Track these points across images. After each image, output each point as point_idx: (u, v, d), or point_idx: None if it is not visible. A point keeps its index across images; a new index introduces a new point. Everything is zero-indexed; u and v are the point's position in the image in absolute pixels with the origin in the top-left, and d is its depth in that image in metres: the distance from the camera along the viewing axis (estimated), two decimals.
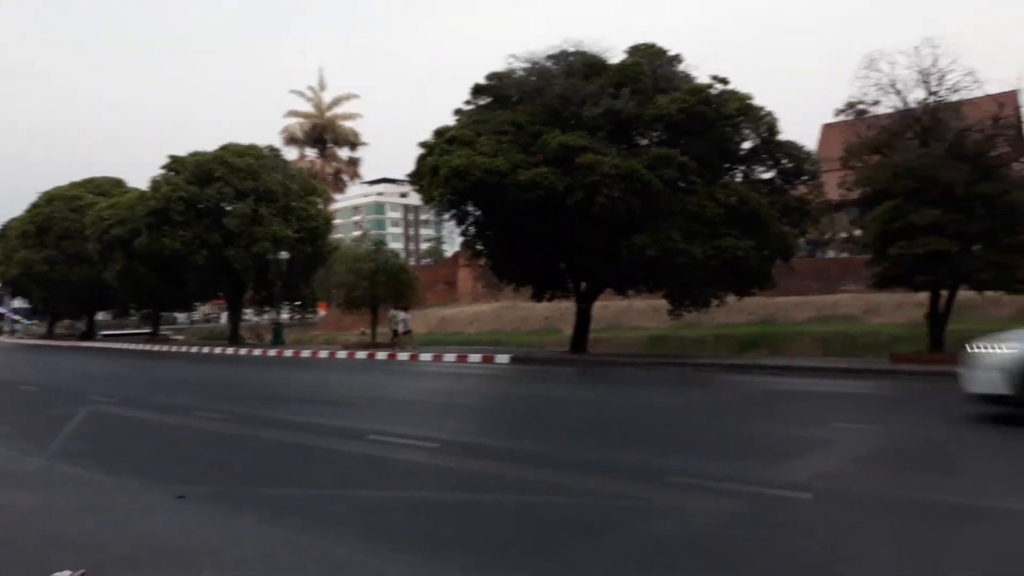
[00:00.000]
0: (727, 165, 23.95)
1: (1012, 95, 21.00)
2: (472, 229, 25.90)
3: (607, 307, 32.01)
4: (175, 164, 39.05)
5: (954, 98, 18.45)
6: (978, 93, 18.50)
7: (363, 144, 67.40)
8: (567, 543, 5.29)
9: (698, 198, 21.78)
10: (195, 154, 39.02)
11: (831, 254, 43.73)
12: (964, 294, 19.76)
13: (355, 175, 68.77)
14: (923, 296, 19.84)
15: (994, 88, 18.76)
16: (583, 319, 25.75)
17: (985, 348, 10.51)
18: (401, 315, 30.81)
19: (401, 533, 5.59)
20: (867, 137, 19.12)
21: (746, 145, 23.74)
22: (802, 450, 8.57)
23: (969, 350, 10.77)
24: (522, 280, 26.58)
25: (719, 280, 22.64)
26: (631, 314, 34.77)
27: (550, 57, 24.26)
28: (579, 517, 5.99)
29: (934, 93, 18.55)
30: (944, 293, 18.95)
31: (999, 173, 17.81)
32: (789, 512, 6.07)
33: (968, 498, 6.31)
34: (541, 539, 5.42)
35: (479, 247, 26.46)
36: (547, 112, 23.06)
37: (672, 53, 24.54)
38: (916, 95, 18.89)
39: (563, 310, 31.07)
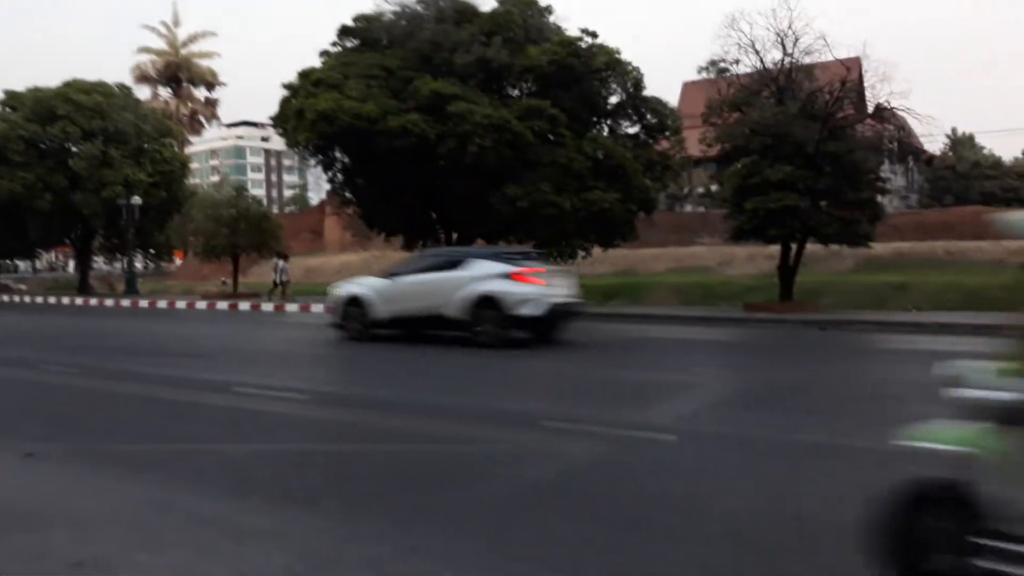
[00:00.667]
0: (595, 119, 24.25)
1: (857, 61, 22.23)
2: (340, 176, 25.23)
3: None
4: (12, 100, 35.98)
5: (807, 60, 19.38)
6: (828, 57, 19.50)
7: (221, 85, 64.16)
8: (442, 489, 5.27)
9: (567, 151, 21.99)
10: (35, 90, 36.03)
11: (689, 208, 45.43)
12: (811, 247, 20.98)
13: (213, 117, 65.45)
14: (773, 249, 20.94)
15: (842, 53, 19.82)
16: None
17: (334, 289, 15.47)
18: (280, 264, 29.31)
19: (269, 486, 5.41)
20: (727, 95, 19.81)
21: (613, 100, 24.11)
22: (666, 394, 8.90)
23: (329, 290, 16.37)
24: (392, 229, 26.14)
25: (586, 232, 23.07)
26: None
27: (420, 1, 23.68)
28: (454, 464, 6.00)
29: (789, 55, 19.41)
30: (794, 246, 20.07)
31: (845, 134, 18.91)
32: (655, 453, 6.29)
33: (819, 436, 6.73)
34: (415, 487, 5.38)
35: (347, 195, 25.82)
36: (417, 58, 22.57)
37: (543, 3, 24.45)
38: (773, 56, 19.71)
39: None
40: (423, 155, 21.21)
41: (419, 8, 23.59)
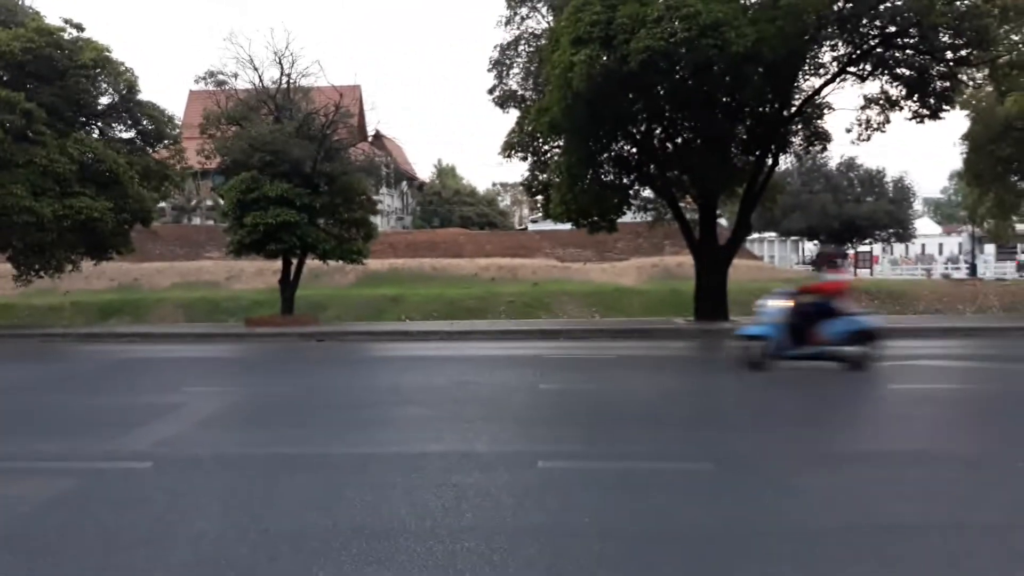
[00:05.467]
0: (82, 119, 21.85)
1: (354, 88, 23.53)
2: None
3: None
4: None
5: (304, 83, 19.92)
6: (324, 82, 20.30)
7: None
8: None
9: (47, 151, 19.41)
10: None
11: (197, 221, 43.62)
12: (318, 262, 21.52)
13: None
14: (281, 263, 21.05)
15: (338, 80, 20.82)
16: None
17: None
18: None
19: None
20: (226, 108, 19.42)
21: (104, 100, 22.00)
22: (150, 418, 8.24)
23: None
24: None
25: (72, 242, 20.59)
26: None
27: None
28: None
29: (287, 74, 19.74)
30: (294, 261, 20.39)
31: (340, 156, 19.82)
32: (127, 484, 5.75)
33: (299, 448, 6.82)
34: None
35: None
36: None
37: None
38: (271, 74, 19.88)
39: None
40: None
41: None
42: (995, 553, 4.12)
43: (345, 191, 19.22)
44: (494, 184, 67.04)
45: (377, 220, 24.36)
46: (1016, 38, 16.29)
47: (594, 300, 23.66)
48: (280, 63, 19.19)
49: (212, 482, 5.82)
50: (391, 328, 19.71)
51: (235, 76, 19.24)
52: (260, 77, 19.36)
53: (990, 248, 43.23)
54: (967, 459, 6.21)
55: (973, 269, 39.45)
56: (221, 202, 23.52)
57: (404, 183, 52.44)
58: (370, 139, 23.35)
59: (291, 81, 19.48)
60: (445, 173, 61.35)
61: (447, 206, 53.01)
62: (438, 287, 28.03)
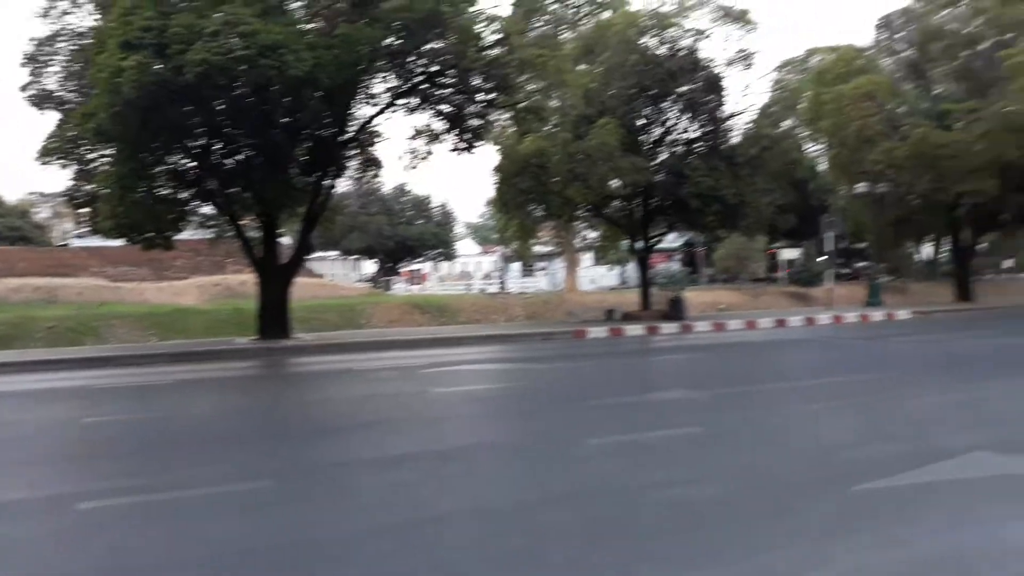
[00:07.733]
0: None
1: None
2: None
3: None
4: None
5: None
6: None
7: None
8: None
9: None
10: None
11: None
12: None
13: None
14: None
15: None
16: None
17: None
18: None
19: None
20: None
21: None
22: None
23: None
24: None
25: None
26: None
27: None
28: None
29: None
30: None
31: None
32: None
33: None
34: None
35: None
36: None
37: None
38: None
39: None
40: None
41: None
42: (524, 530, 4.67)
43: None
44: (31, 193, 57.85)
45: None
46: (531, 87, 18.87)
47: (151, 322, 21.66)
48: None
49: None
50: None
51: None
52: None
53: (516, 266, 49.40)
54: (501, 450, 6.99)
55: (503, 284, 44.79)
56: None
57: None
58: None
59: None
60: None
61: None
62: None
